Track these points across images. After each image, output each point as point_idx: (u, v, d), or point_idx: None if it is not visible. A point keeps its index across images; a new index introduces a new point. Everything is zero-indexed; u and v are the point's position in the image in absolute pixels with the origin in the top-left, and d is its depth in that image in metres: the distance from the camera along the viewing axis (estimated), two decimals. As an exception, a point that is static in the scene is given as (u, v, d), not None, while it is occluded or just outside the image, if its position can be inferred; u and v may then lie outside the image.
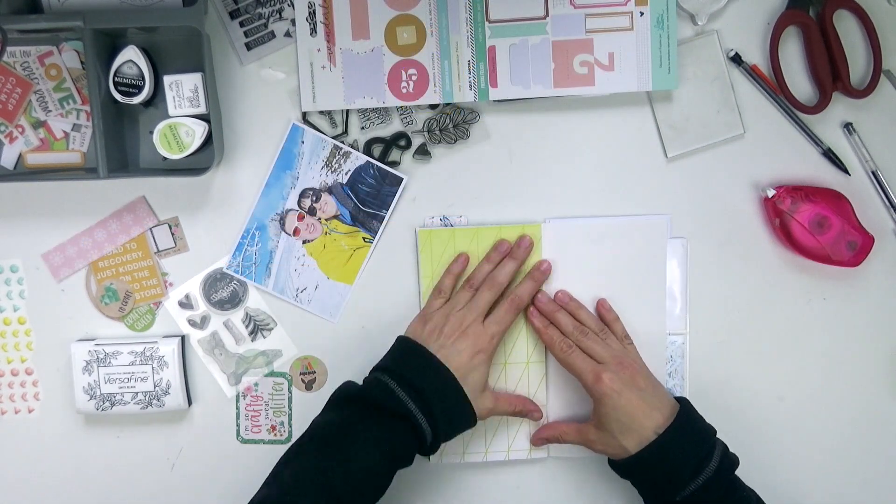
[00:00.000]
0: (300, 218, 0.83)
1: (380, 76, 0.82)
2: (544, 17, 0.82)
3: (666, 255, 0.85)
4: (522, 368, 0.86)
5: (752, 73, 0.84)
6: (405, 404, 0.75)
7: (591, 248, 0.85)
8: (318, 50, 0.82)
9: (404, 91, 0.83)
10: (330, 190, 0.83)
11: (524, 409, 0.84)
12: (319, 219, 0.83)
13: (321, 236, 0.84)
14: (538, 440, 0.86)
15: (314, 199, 0.82)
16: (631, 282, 0.85)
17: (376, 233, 0.84)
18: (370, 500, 0.75)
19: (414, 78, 0.82)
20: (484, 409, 0.80)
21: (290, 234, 0.84)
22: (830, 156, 0.85)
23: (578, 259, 0.85)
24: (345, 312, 0.87)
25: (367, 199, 0.84)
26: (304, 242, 0.84)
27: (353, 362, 0.87)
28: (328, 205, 0.83)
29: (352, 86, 0.82)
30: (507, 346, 0.85)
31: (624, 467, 0.79)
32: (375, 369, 0.80)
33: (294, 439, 0.80)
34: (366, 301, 0.87)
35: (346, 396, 0.78)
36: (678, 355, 0.87)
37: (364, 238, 0.84)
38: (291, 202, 0.84)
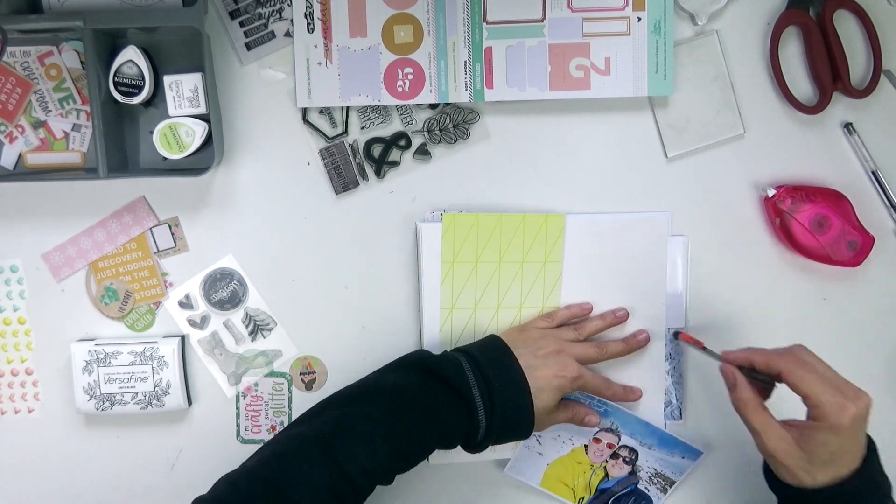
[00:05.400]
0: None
1: (376, 74, 0.82)
2: (542, 20, 0.82)
3: (666, 252, 0.85)
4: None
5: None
6: (471, 390, 0.74)
7: (594, 243, 0.85)
8: (315, 46, 0.82)
9: (400, 90, 0.82)
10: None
11: (583, 414, 0.83)
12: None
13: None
14: (729, 371, 0.75)
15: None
16: (631, 278, 0.85)
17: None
18: (408, 468, 0.74)
19: (410, 77, 0.82)
20: (542, 426, 0.80)
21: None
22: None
23: (584, 254, 0.85)
24: (345, 312, 0.87)
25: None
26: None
27: (353, 362, 0.87)
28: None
29: (348, 83, 0.82)
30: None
31: (801, 496, 0.71)
32: (456, 350, 0.80)
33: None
34: (366, 301, 0.86)
35: (419, 364, 0.77)
36: (677, 353, 0.87)
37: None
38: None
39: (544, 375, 0.77)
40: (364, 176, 0.85)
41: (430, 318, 0.85)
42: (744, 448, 0.86)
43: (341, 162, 0.85)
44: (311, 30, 0.82)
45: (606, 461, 0.88)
